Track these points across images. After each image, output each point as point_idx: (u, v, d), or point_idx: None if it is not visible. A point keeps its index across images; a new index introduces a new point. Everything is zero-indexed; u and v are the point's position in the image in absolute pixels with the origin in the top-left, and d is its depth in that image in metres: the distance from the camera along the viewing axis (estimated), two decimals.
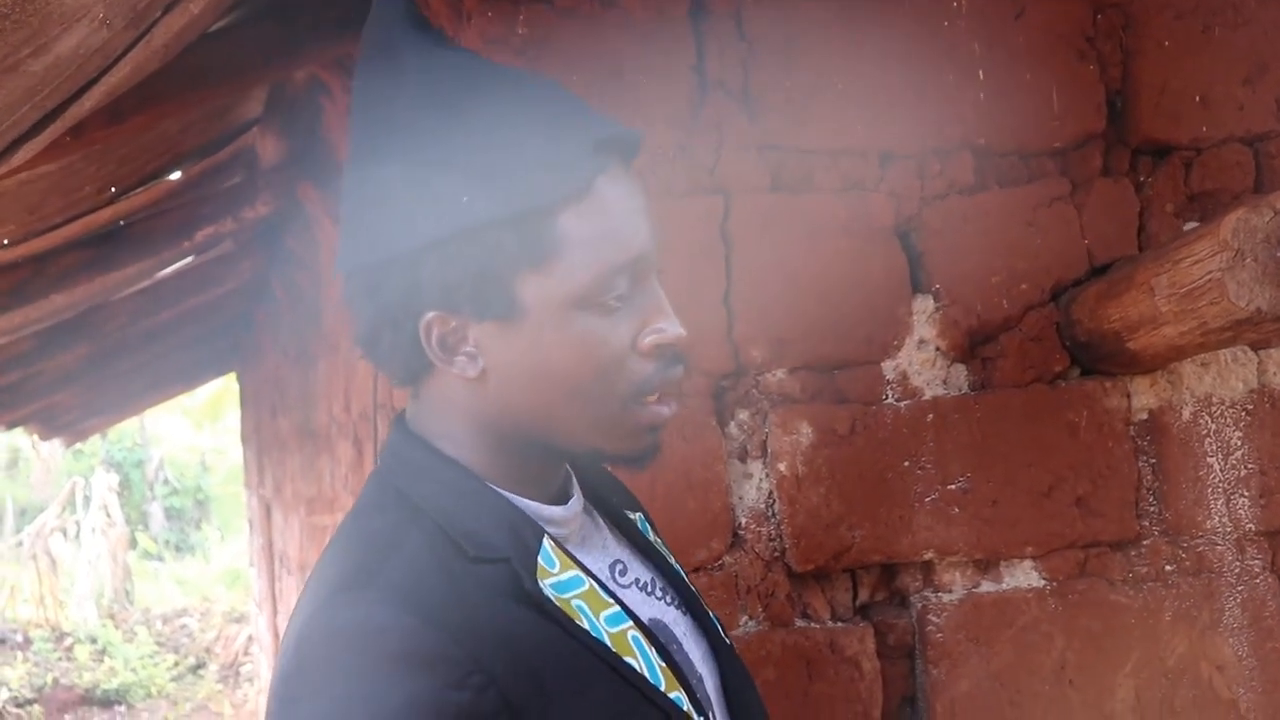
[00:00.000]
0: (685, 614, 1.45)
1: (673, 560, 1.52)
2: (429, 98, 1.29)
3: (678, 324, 1.32)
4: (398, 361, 1.34)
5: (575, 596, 1.29)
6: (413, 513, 1.30)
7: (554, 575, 1.29)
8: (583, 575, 1.32)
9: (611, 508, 1.51)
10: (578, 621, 1.27)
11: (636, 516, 1.54)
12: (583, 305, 1.27)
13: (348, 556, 1.28)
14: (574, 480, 1.44)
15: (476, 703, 1.16)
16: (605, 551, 1.43)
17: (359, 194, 1.32)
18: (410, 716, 1.14)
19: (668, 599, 1.44)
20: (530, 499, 1.35)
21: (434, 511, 1.29)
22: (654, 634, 1.34)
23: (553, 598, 1.27)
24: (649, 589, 1.43)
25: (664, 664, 1.31)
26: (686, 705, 1.31)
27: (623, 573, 1.42)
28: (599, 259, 1.27)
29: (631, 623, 1.32)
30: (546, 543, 1.31)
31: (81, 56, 1.60)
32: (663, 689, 1.29)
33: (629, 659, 1.28)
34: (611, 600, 1.32)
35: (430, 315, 1.28)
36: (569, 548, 1.36)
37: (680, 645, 1.41)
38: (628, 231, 1.29)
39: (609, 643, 1.28)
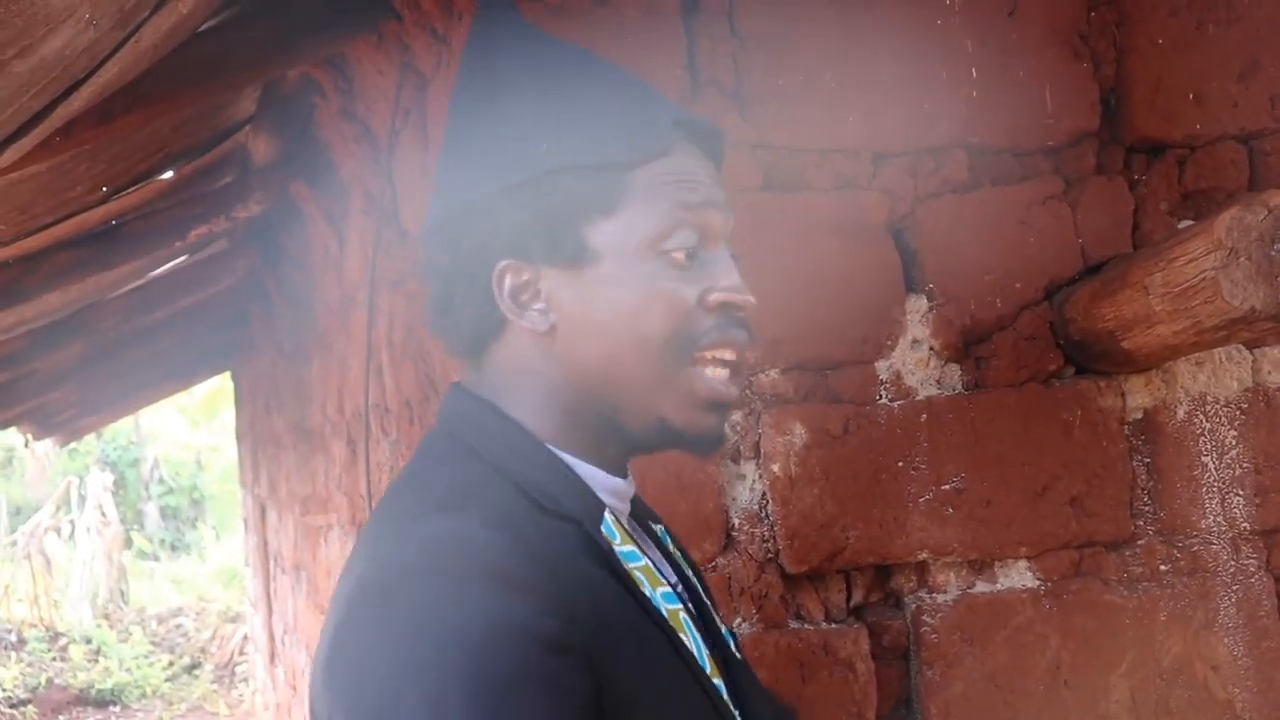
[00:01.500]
0: (700, 627, 1.43)
1: (690, 573, 1.51)
2: (520, 66, 1.38)
3: (748, 292, 1.35)
4: (468, 322, 1.37)
5: (636, 569, 1.31)
6: (485, 463, 1.31)
7: (616, 545, 1.31)
8: (639, 551, 1.33)
9: (640, 512, 1.51)
10: (643, 590, 1.29)
11: (658, 528, 1.54)
12: (651, 253, 1.31)
13: (427, 492, 1.28)
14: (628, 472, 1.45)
15: (565, 634, 1.15)
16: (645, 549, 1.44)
17: (448, 154, 1.40)
18: (503, 632, 1.12)
19: (691, 611, 1.42)
20: (594, 465, 1.36)
21: (504, 465, 1.31)
22: (707, 623, 1.36)
23: (623, 564, 1.29)
24: (678, 592, 1.42)
25: (709, 651, 1.33)
26: (725, 695, 1.33)
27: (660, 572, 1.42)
28: (668, 208, 1.32)
29: (682, 605, 1.34)
30: (607, 515, 1.33)
31: (68, 57, 1.59)
32: (709, 673, 1.31)
33: (682, 636, 1.30)
34: (664, 580, 1.34)
35: (504, 263, 1.33)
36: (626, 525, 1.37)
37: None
38: (694, 184, 1.34)
39: (667, 617, 1.30)
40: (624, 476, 1.41)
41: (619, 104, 1.36)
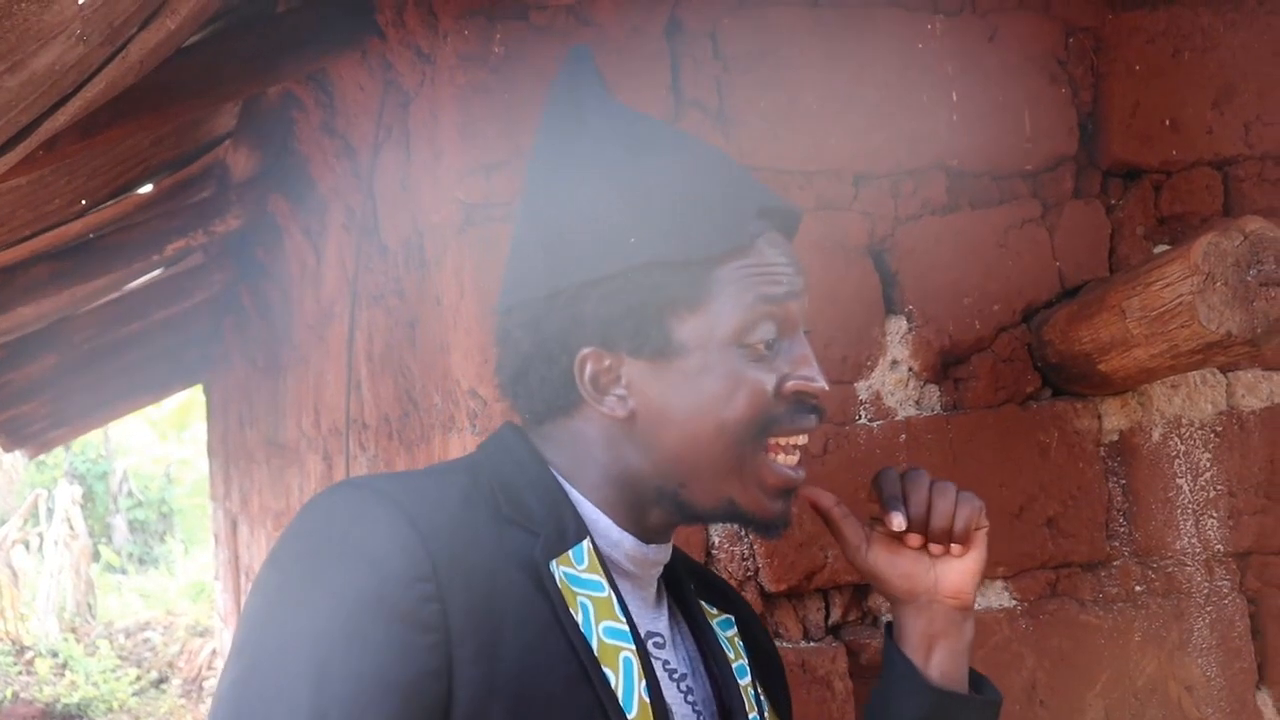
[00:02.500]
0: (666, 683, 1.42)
1: (740, 661, 1.50)
2: (606, 148, 1.39)
3: (823, 379, 1.38)
4: (542, 397, 1.40)
5: (585, 595, 1.31)
6: (471, 470, 1.36)
7: (575, 569, 1.32)
8: (605, 584, 1.33)
9: (687, 594, 1.51)
10: (572, 612, 1.29)
11: (721, 615, 1.54)
12: (733, 346, 1.34)
13: (381, 478, 1.35)
14: (670, 540, 1.47)
15: (415, 610, 1.20)
16: (651, 620, 1.43)
17: (529, 232, 1.41)
18: (351, 597, 1.20)
19: (692, 701, 1.42)
20: (619, 526, 1.39)
21: (493, 476, 1.35)
22: (653, 671, 1.33)
23: (558, 580, 1.30)
24: (675, 677, 1.42)
25: (648, 699, 1.31)
26: None
27: (658, 645, 1.42)
28: (751, 301, 1.34)
29: (633, 646, 1.32)
30: (586, 544, 1.34)
31: (57, 72, 1.60)
32: (631, 716, 1.29)
33: (608, 670, 1.29)
34: (624, 620, 1.33)
35: (587, 351, 1.36)
36: (618, 582, 1.37)
37: None
38: (776, 277, 1.36)
39: (594, 647, 1.29)
40: (652, 542, 1.42)
41: (707, 194, 1.36)
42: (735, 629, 1.54)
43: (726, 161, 1.42)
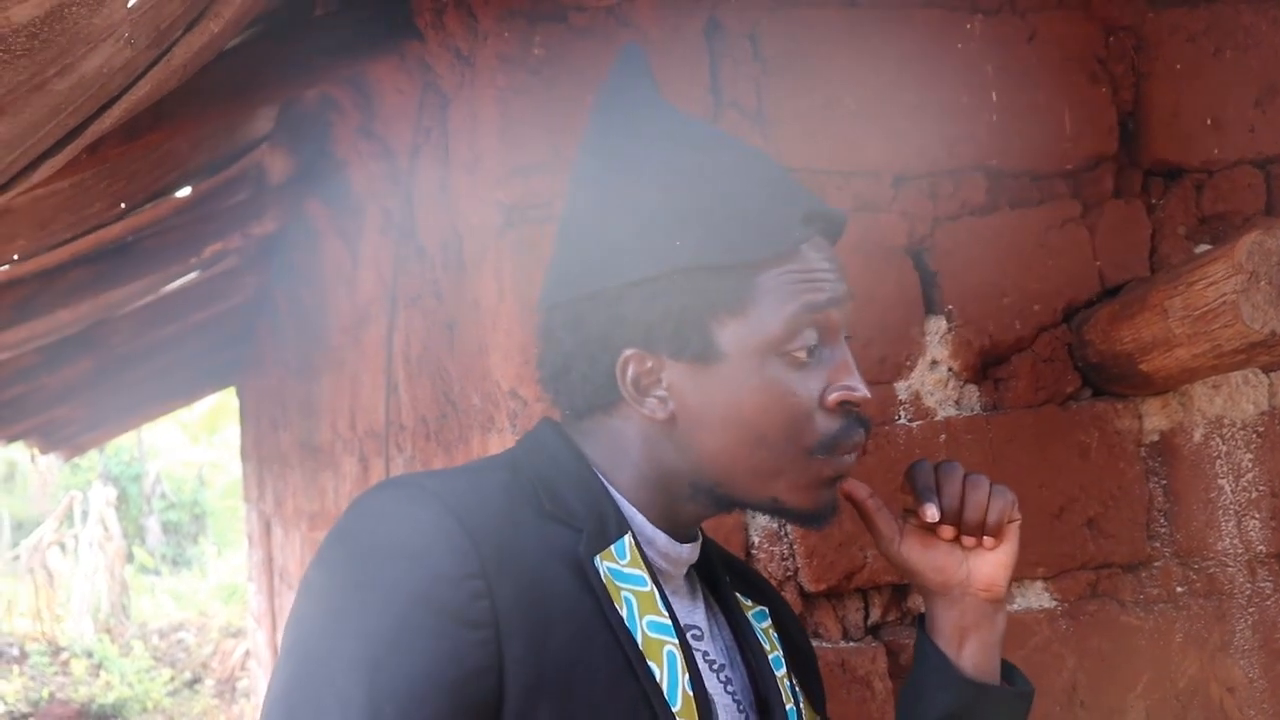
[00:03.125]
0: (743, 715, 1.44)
1: (775, 652, 1.51)
2: (655, 148, 1.39)
3: (864, 386, 1.38)
4: (582, 395, 1.40)
5: (628, 590, 1.32)
6: (512, 466, 1.37)
7: (618, 564, 1.33)
8: (648, 578, 1.34)
9: (722, 586, 1.51)
10: (617, 606, 1.30)
11: (756, 607, 1.54)
12: (774, 353, 1.34)
13: (425, 476, 1.36)
14: (699, 538, 1.47)
15: (465, 608, 1.21)
16: (688, 613, 1.44)
17: (574, 230, 1.41)
18: (398, 596, 1.21)
19: (732, 691, 1.43)
20: (647, 519, 1.39)
21: (534, 473, 1.36)
22: (695, 665, 1.34)
23: (602, 575, 1.30)
24: (715, 668, 1.43)
25: (691, 692, 1.31)
26: None
27: (696, 638, 1.43)
28: (794, 310, 1.34)
29: (676, 640, 1.33)
30: (628, 539, 1.35)
31: (105, 75, 1.61)
32: (675, 709, 1.30)
33: (653, 664, 1.30)
34: (666, 614, 1.33)
35: (629, 352, 1.36)
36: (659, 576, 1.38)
37: None
38: (819, 284, 1.36)
39: (639, 641, 1.30)
40: (684, 540, 1.42)
41: (753, 199, 1.36)
42: (770, 620, 1.55)
43: (772, 166, 1.42)
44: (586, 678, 1.26)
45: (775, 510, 1.39)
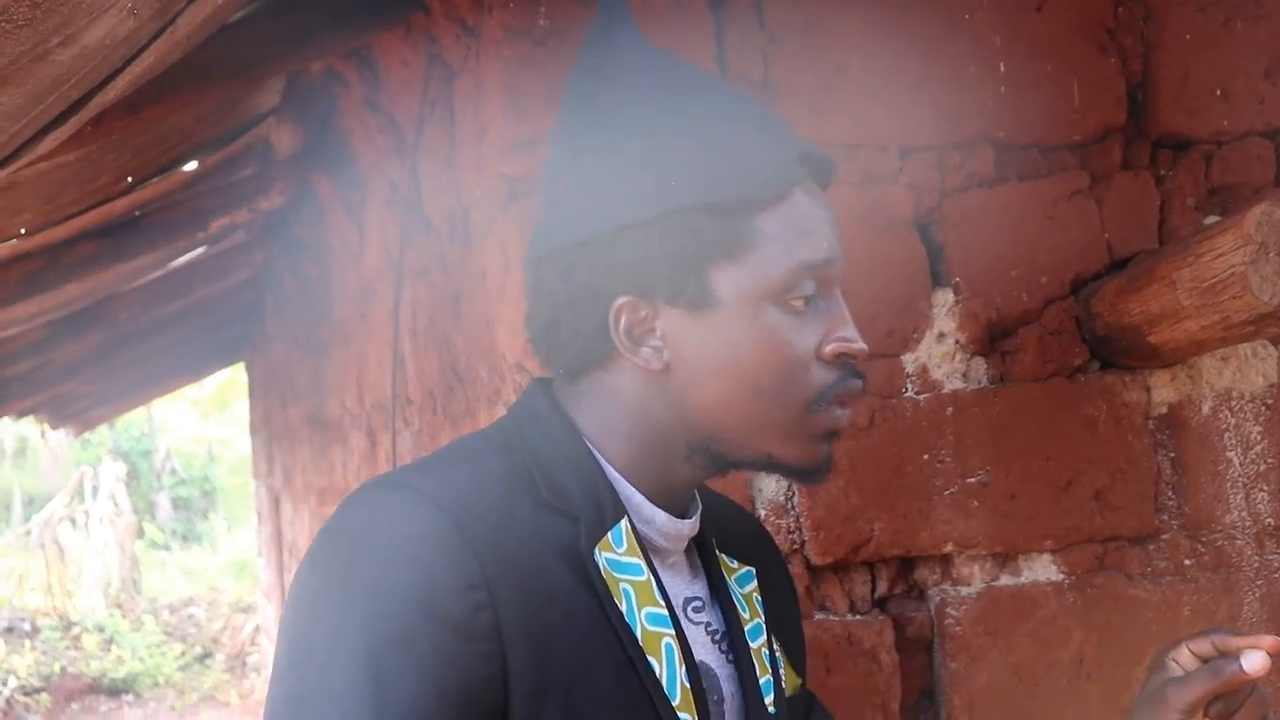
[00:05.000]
0: (738, 684, 1.43)
1: (756, 620, 1.49)
2: (642, 90, 1.36)
3: (860, 338, 1.36)
4: (573, 349, 1.36)
5: (626, 581, 1.30)
6: (507, 447, 1.34)
7: (615, 553, 1.31)
8: (644, 566, 1.32)
9: (708, 547, 1.49)
10: (617, 601, 1.28)
11: (742, 568, 1.52)
12: (772, 301, 1.31)
13: (412, 469, 1.33)
14: (698, 507, 1.45)
15: (468, 620, 1.19)
16: (688, 584, 1.43)
17: (562, 178, 1.38)
18: (397, 603, 1.19)
19: (733, 660, 1.43)
20: (644, 495, 1.37)
21: (529, 453, 1.33)
22: (691, 656, 1.34)
23: (601, 569, 1.28)
24: (717, 638, 1.42)
25: (689, 685, 1.31)
26: None
27: (697, 609, 1.42)
28: (790, 257, 1.31)
29: (673, 631, 1.32)
30: (624, 524, 1.33)
31: (108, 46, 1.60)
32: (674, 704, 1.29)
33: (652, 659, 1.29)
34: (663, 604, 1.32)
35: (622, 300, 1.32)
36: (652, 556, 1.37)
37: (722, 699, 1.40)
38: (818, 237, 1.33)
39: (639, 635, 1.28)
40: (683, 516, 1.41)
41: (747, 138, 1.34)
42: (755, 582, 1.52)
43: (761, 107, 1.41)
44: (589, 678, 1.25)
45: (770, 466, 1.37)
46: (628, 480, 1.36)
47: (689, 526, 1.41)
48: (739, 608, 1.47)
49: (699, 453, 1.37)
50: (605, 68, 1.39)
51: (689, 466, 1.38)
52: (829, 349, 1.34)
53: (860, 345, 1.35)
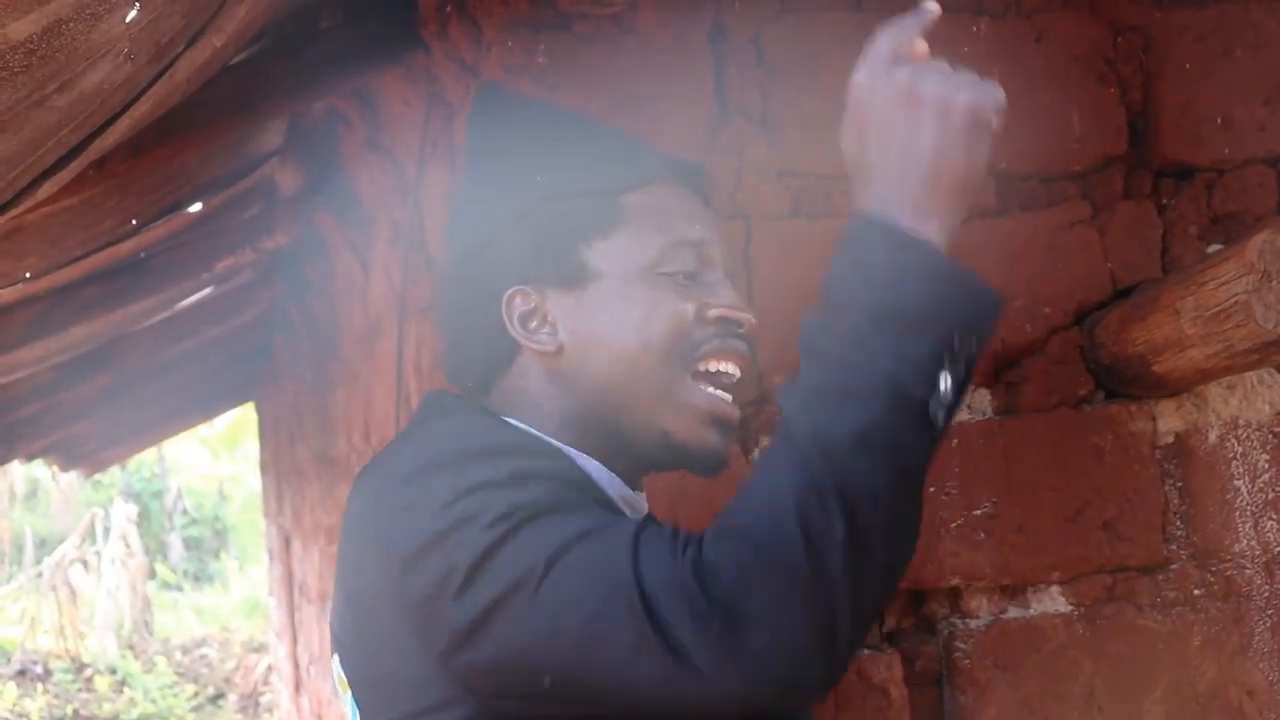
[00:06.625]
0: None
1: None
2: (521, 123, 1.50)
3: (749, 311, 1.41)
4: (479, 356, 1.43)
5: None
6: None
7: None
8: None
9: None
10: None
11: None
12: (651, 273, 1.37)
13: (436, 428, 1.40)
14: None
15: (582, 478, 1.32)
16: None
17: (456, 215, 1.50)
18: (518, 441, 1.32)
19: None
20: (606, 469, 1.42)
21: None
22: None
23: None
24: None
25: None
26: None
27: None
28: (661, 231, 1.39)
29: None
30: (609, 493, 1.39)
31: (106, 91, 1.61)
32: None
33: None
34: None
35: (512, 290, 1.39)
36: None
37: None
38: (688, 219, 1.41)
39: None
40: (635, 489, 1.45)
41: (607, 143, 1.47)
42: None
43: (626, 132, 1.54)
44: None
45: (667, 451, 1.39)
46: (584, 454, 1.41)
47: (637, 498, 1.45)
48: None
49: (613, 440, 1.40)
50: (488, 115, 1.52)
51: (617, 459, 1.41)
52: (713, 312, 1.38)
53: (746, 314, 1.40)
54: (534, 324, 1.39)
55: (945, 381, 1.14)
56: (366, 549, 1.30)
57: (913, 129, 1.19)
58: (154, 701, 12.93)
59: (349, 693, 1.39)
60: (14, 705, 12.59)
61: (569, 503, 1.23)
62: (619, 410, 1.38)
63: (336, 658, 1.42)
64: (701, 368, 1.38)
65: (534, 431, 1.37)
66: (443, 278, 1.48)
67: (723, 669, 1.10)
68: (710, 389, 1.38)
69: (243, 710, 12.93)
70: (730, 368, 1.39)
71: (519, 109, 1.55)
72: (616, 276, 1.37)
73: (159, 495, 21.57)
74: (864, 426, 1.11)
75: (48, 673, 14.02)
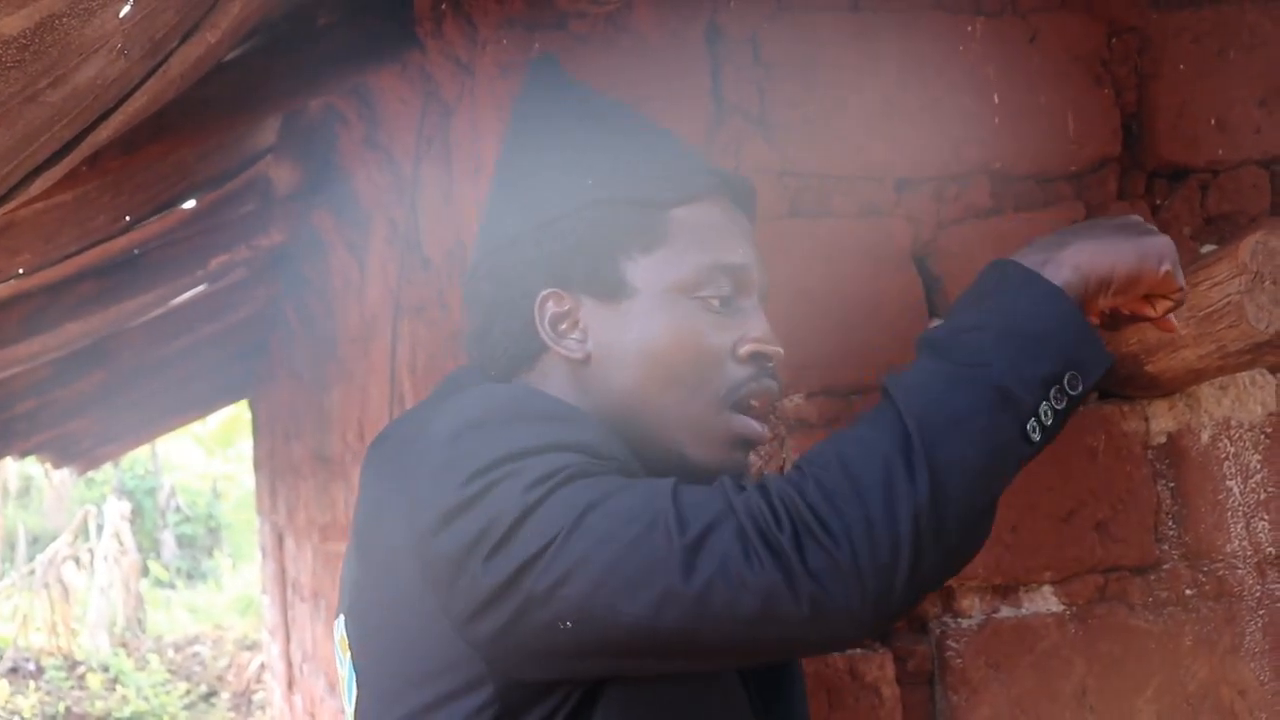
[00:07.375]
0: None
1: None
2: (568, 114, 1.47)
3: (778, 344, 1.41)
4: (506, 350, 1.43)
5: None
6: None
7: None
8: None
9: None
10: None
11: None
12: (685, 294, 1.37)
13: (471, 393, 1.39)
14: None
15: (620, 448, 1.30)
16: None
17: (496, 196, 1.48)
18: (545, 406, 1.32)
19: None
20: None
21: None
22: None
23: None
24: None
25: None
26: None
27: None
28: (703, 253, 1.38)
29: None
30: None
31: (99, 87, 1.61)
32: None
33: None
34: None
35: (545, 292, 1.39)
36: None
37: None
38: (732, 241, 1.41)
39: None
40: None
41: (660, 149, 1.44)
42: None
43: (680, 138, 1.51)
44: None
45: (683, 468, 1.38)
46: None
47: None
48: None
49: (633, 443, 1.39)
50: (535, 100, 1.50)
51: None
52: (744, 348, 1.38)
53: (776, 348, 1.40)
54: (564, 327, 1.40)
55: (1048, 408, 1.21)
56: (394, 507, 1.29)
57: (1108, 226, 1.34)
58: (146, 699, 12.93)
59: (348, 655, 1.38)
60: (6, 702, 12.58)
61: (607, 469, 1.23)
62: (637, 427, 1.38)
63: (341, 618, 1.41)
64: (734, 408, 1.39)
65: (570, 403, 1.37)
66: (476, 264, 1.46)
67: (782, 582, 1.12)
68: (743, 416, 1.39)
69: (235, 708, 12.93)
70: (762, 404, 1.41)
71: (573, 95, 1.51)
72: (651, 294, 1.37)
73: (152, 493, 21.57)
74: (968, 412, 1.16)
75: (40, 670, 14.02)
